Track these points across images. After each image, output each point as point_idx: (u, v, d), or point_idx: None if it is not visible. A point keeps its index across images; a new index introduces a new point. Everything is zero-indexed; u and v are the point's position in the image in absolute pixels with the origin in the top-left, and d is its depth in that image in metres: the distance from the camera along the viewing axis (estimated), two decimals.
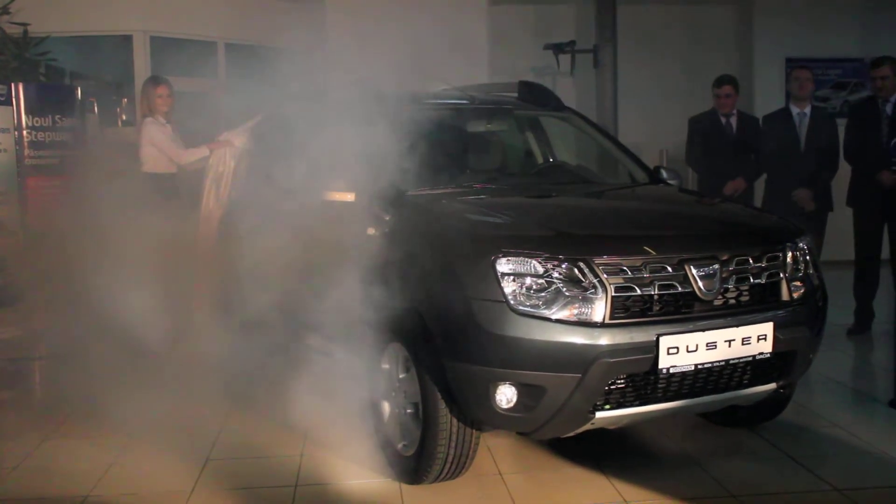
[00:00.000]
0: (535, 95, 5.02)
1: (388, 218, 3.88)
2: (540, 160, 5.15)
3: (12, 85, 6.48)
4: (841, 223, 6.48)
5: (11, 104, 6.45)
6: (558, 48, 8.78)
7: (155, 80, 6.06)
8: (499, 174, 4.44)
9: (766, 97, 8.88)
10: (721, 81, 6.54)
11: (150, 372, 5.15)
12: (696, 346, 3.27)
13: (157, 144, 5.87)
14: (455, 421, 3.43)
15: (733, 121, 6.55)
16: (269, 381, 4.93)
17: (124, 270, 5.03)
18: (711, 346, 3.30)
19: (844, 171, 6.21)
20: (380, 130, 4.44)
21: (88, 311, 5.20)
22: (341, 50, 8.23)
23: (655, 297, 3.29)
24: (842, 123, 6.28)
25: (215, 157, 5.54)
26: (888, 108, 5.89)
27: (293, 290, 4.55)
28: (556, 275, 3.23)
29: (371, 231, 3.92)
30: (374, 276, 3.84)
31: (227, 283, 5.55)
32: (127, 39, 8.31)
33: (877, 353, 5.81)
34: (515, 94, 5.08)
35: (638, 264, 3.29)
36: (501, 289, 3.21)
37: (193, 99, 7.23)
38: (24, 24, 7.20)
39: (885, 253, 5.93)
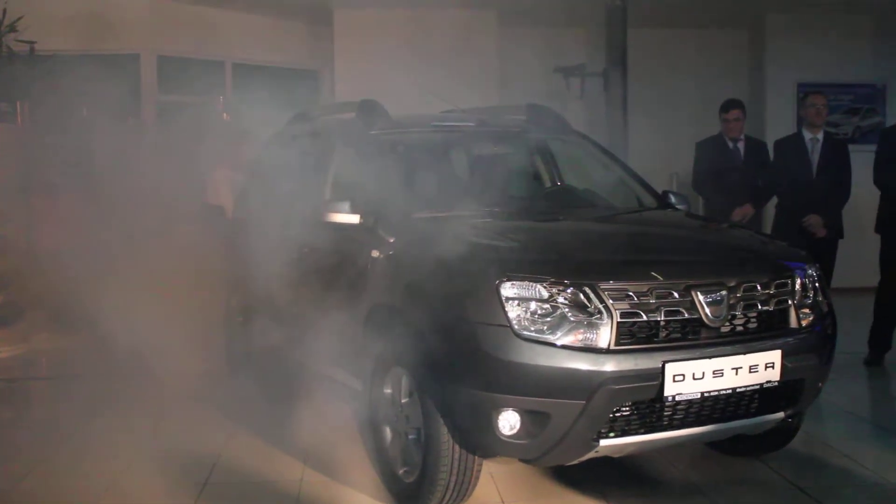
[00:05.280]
0: (544, 119, 5.05)
1: (392, 240, 3.90)
2: (547, 184, 5.16)
3: (18, 103, 6.54)
4: (851, 250, 6.47)
5: (17, 121, 6.52)
6: (568, 71, 8.84)
7: None
8: (505, 198, 4.43)
9: (777, 122, 8.91)
10: (728, 106, 6.56)
11: (151, 393, 5.20)
12: (703, 373, 3.27)
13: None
14: (457, 447, 3.42)
15: (741, 145, 6.55)
16: (271, 404, 4.97)
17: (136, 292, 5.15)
18: (718, 373, 3.29)
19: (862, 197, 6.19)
20: (385, 153, 4.50)
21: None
22: (348, 72, 8.36)
23: (662, 323, 3.29)
24: (854, 150, 6.29)
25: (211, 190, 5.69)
26: None
27: (295, 312, 4.59)
28: (561, 300, 3.24)
29: (375, 253, 3.93)
30: (377, 299, 3.86)
31: (233, 306, 5.62)
32: (134, 58, 8.41)
33: (892, 384, 5.78)
34: (524, 118, 5.11)
35: (644, 290, 3.30)
36: (506, 313, 3.22)
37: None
38: (31, 42, 7.28)
39: None
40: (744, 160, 6.53)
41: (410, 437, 3.68)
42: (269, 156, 5.51)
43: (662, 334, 3.30)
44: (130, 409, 5.02)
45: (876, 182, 6.06)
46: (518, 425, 3.24)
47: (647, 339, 3.28)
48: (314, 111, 5.70)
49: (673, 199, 4.62)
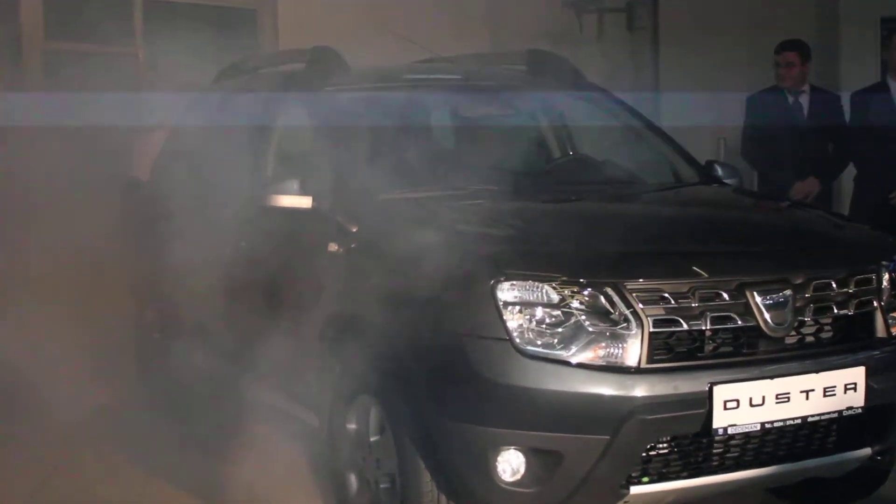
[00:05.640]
0: (549, 68, 5.06)
1: (355, 230, 3.91)
2: (555, 153, 5.19)
3: None
4: None
5: None
6: (581, 7, 8.82)
7: None
8: (501, 172, 4.42)
9: (855, 68, 8.91)
10: (782, 47, 6.56)
11: (31, 438, 5.15)
12: (763, 398, 3.26)
13: None
14: (443, 498, 3.42)
15: (804, 99, 6.57)
16: (200, 448, 4.94)
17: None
18: (783, 398, 3.29)
19: None
20: (345, 116, 4.49)
21: None
22: (295, 11, 8.33)
23: (708, 333, 3.29)
24: None
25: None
26: None
27: (231, 325, 4.59)
28: (575, 304, 3.24)
29: (333, 247, 3.95)
30: (337, 307, 3.88)
31: (147, 320, 5.62)
32: None
33: None
34: (523, 67, 5.11)
35: (684, 290, 3.30)
36: (504, 323, 3.22)
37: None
38: None
39: None
40: (807, 119, 6.54)
41: (382, 486, 3.68)
42: (191, 122, 5.50)
43: (709, 348, 3.30)
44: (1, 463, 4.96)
45: None
46: (522, 469, 3.24)
47: (689, 355, 3.28)
48: (250, 62, 5.70)
49: (719, 171, 4.64)
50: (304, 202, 4.08)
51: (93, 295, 5.62)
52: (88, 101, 6.29)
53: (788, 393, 3.29)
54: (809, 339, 3.44)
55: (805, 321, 3.43)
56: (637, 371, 3.20)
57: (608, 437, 3.15)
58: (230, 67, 5.63)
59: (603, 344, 3.22)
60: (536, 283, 3.25)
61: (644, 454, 3.23)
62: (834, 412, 3.38)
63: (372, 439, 3.71)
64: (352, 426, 3.81)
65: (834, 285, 3.50)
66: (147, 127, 6.66)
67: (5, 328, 5.14)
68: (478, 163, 4.50)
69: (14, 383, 5.32)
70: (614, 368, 3.20)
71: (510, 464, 3.23)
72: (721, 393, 3.21)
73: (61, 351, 5.21)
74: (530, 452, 3.22)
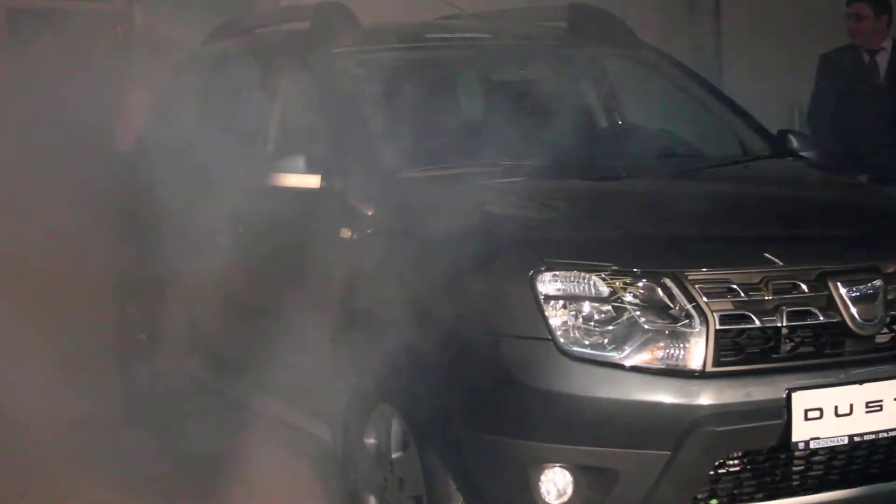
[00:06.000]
0: (594, 24, 5.03)
1: (370, 213, 3.91)
2: (602, 123, 5.16)
3: None
4: None
5: None
6: None
7: None
8: (539, 145, 4.36)
9: None
10: None
11: None
12: (851, 406, 3.23)
13: None
14: None
15: (882, 58, 6.52)
16: (192, 467, 4.94)
17: None
18: (874, 406, 3.25)
19: None
20: (357, 81, 4.47)
21: None
22: None
23: (784, 330, 3.26)
24: None
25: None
26: None
27: (229, 324, 4.60)
28: (629, 297, 3.22)
29: (345, 234, 3.95)
30: (351, 303, 3.88)
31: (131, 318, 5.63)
32: None
33: None
34: (563, 23, 5.09)
35: (756, 281, 3.27)
36: (545, 320, 3.20)
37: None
38: None
39: None
40: (885, 80, 6.48)
41: None
42: (179, 91, 5.50)
43: (785, 348, 3.27)
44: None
45: None
46: (570, 489, 3.22)
47: (763, 356, 3.24)
48: (248, 20, 5.69)
49: (794, 142, 4.63)
50: (312, 181, 4.09)
51: (65, 288, 5.61)
52: (62, 64, 6.31)
53: (881, 400, 3.26)
54: None
55: None
56: (701, 375, 3.18)
57: (669, 452, 3.13)
58: (224, 26, 5.63)
59: (661, 344, 3.20)
60: (583, 274, 3.24)
61: (711, 472, 3.21)
62: None
63: (394, 456, 3.68)
64: (370, 441, 3.80)
65: None
66: (131, 95, 6.69)
67: None
68: (511, 135, 4.42)
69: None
70: (675, 372, 3.18)
71: (555, 484, 3.22)
72: (801, 401, 3.18)
73: (30, 355, 5.24)
74: (579, 470, 3.21)
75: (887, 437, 3.30)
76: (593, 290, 3.23)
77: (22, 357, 5.17)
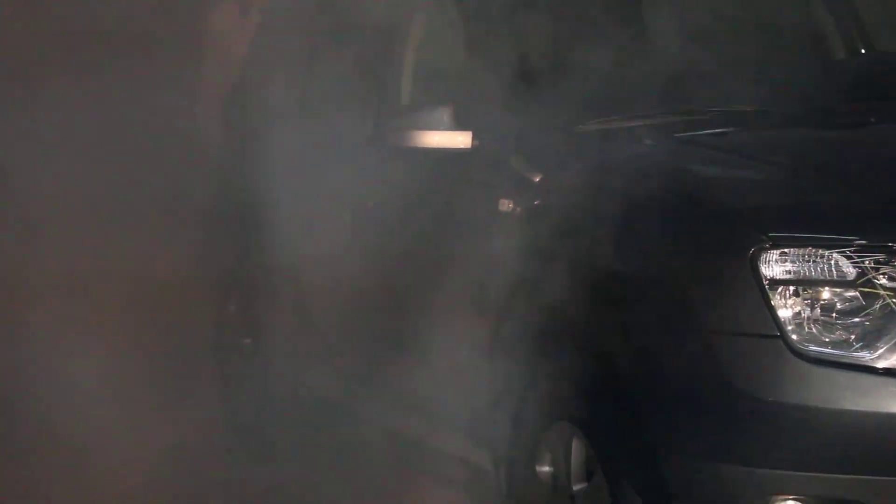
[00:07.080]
0: None
1: (538, 179, 4.02)
2: (839, 52, 5.15)
3: None
4: None
5: None
6: None
7: None
8: (754, 83, 4.40)
9: None
10: None
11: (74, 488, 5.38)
12: None
13: None
14: None
15: None
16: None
17: None
18: None
19: None
20: (514, 10, 4.56)
21: None
22: None
23: None
24: None
25: None
26: None
27: (357, 325, 4.78)
28: (882, 281, 3.24)
29: (506, 205, 4.04)
30: (516, 295, 3.97)
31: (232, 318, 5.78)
32: None
33: None
34: None
35: None
36: (772, 311, 3.24)
37: None
38: None
39: None
40: None
41: None
42: (279, 28, 5.64)
43: None
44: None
45: None
46: None
47: None
48: None
49: None
50: (461, 139, 4.15)
51: (147, 280, 5.68)
52: None
53: None
54: None
55: None
56: None
57: None
58: None
59: None
60: (820, 251, 3.26)
61: None
62: None
63: (575, 488, 3.75)
64: (544, 469, 3.89)
65: None
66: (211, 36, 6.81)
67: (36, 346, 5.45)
68: (716, 70, 4.46)
69: (47, 414, 5.51)
70: None
71: None
72: None
73: (106, 363, 5.36)
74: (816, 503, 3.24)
75: None
76: (834, 273, 3.24)
77: (102, 370, 5.29)
